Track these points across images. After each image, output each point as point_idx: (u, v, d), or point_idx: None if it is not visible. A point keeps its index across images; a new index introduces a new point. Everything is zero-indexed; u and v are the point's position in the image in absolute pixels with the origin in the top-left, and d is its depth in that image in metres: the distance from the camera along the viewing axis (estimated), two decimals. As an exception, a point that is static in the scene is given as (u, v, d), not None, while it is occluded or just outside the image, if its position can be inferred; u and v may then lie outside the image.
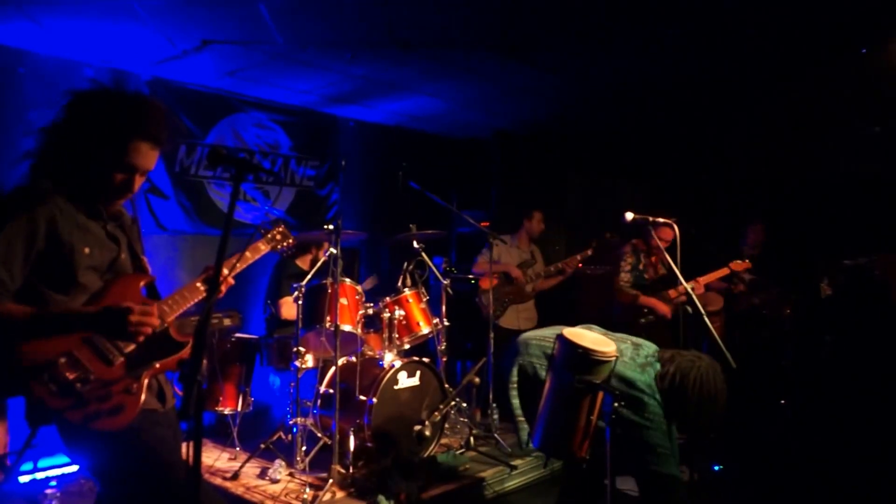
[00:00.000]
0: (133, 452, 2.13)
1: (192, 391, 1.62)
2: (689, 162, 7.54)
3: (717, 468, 4.85)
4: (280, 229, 3.02)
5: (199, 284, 2.38)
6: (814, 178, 6.94)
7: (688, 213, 5.48)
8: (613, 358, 2.87)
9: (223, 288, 2.34)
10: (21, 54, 4.71)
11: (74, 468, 4.17)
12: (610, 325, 3.40)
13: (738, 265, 5.41)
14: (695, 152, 7.47)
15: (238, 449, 4.73)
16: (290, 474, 4.30)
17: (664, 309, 5.09)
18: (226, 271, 2.36)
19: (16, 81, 4.69)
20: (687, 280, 5.12)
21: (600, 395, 2.85)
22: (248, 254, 2.64)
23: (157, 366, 2.21)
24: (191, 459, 1.67)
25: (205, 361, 1.72)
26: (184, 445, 2.27)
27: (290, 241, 3.05)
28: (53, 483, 3.98)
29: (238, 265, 2.45)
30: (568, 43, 4.74)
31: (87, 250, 2.13)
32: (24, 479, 4.05)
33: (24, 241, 1.99)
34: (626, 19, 4.29)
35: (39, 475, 4.12)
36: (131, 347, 2.16)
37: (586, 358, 2.85)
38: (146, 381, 2.17)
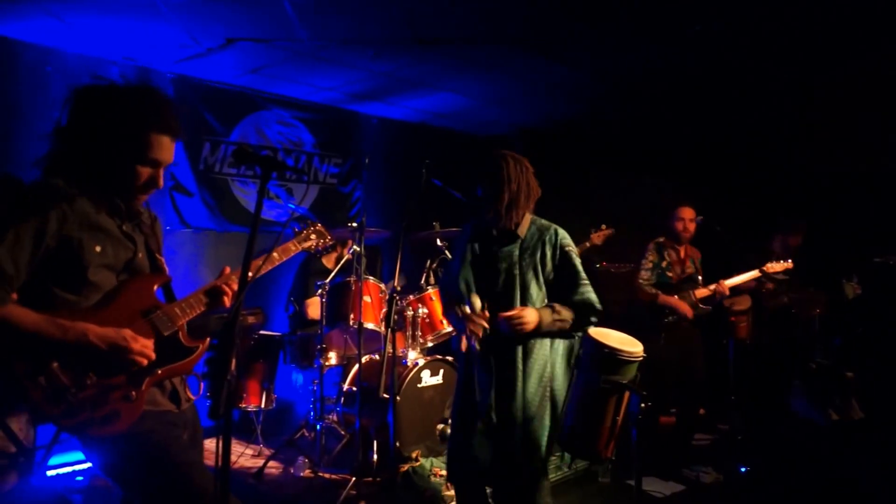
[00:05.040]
0: (143, 453, 2.08)
1: (222, 390, 1.60)
2: (716, 158, 7.44)
3: (743, 469, 4.79)
4: (316, 228, 2.87)
5: (207, 292, 2.33)
6: (844, 174, 6.80)
7: (714, 210, 5.40)
8: (640, 358, 2.83)
9: (228, 294, 2.32)
10: (48, 52, 4.75)
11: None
12: (634, 324, 3.35)
13: (775, 267, 5.14)
14: (722, 149, 7.37)
15: (261, 446, 4.75)
16: (314, 471, 4.31)
17: (685, 309, 4.93)
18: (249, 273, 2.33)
19: (43, 79, 4.73)
20: (712, 281, 5.07)
21: (626, 395, 2.81)
22: (275, 255, 2.56)
23: (160, 372, 2.13)
24: (219, 458, 1.66)
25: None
26: (208, 443, 2.23)
27: (327, 239, 2.90)
28: (80, 478, 4.01)
29: (264, 266, 2.37)
30: (592, 38, 4.68)
31: (98, 248, 2.07)
32: (51, 472, 4.09)
33: (33, 237, 1.95)
34: (652, 12, 4.22)
35: (66, 469, 4.15)
36: None
37: (613, 358, 2.82)
38: (146, 389, 2.10)
